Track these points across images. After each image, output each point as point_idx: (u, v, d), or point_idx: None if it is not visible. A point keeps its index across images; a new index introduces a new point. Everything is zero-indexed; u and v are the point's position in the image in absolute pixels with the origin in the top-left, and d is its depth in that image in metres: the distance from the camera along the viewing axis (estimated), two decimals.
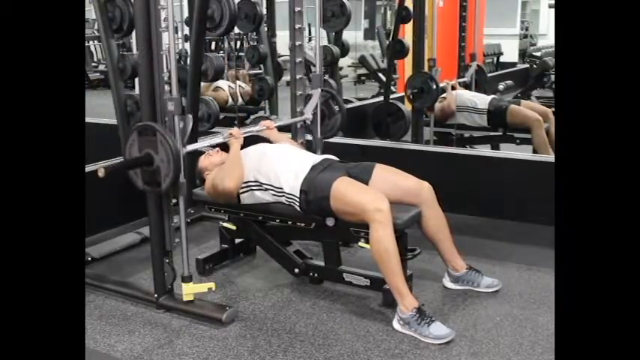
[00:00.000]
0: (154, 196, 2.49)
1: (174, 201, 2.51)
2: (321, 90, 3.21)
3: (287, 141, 3.02)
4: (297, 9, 3.18)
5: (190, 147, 2.50)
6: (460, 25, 5.24)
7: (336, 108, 3.28)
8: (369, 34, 11.47)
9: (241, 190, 2.69)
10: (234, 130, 2.76)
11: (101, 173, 2.25)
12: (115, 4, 2.86)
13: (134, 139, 2.39)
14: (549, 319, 2.44)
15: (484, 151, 4.67)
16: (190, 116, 2.43)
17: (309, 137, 3.34)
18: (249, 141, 2.89)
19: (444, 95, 4.77)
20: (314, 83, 3.21)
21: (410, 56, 4.81)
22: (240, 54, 6.61)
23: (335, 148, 3.31)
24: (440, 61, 4.63)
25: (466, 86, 5.23)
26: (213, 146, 2.82)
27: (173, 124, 2.39)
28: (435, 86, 4.41)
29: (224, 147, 2.81)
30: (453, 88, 4.89)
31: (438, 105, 4.75)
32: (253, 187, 2.67)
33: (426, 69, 4.58)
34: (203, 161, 2.88)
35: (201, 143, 2.75)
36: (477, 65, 5.33)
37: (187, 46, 5.53)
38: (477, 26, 5.60)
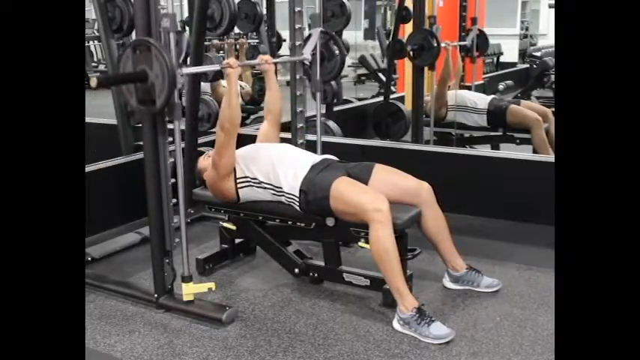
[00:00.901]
0: (149, 119, 2.41)
1: (174, 201, 2.51)
2: (321, 31, 3.15)
3: (274, 85, 2.96)
4: (297, 9, 3.18)
5: (186, 70, 2.45)
6: (460, 25, 5.25)
7: (336, 50, 3.22)
8: (369, 34, 11.47)
9: (240, 185, 2.68)
10: (232, 60, 2.67)
11: (93, 83, 2.18)
12: (115, 4, 2.86)
13: (128, 55, 2.33)
14: (549, 319, 2.44)
15: (484, 151, 4.67)
16: (186, 34, 2.36)
17: (309, 138, 3.35)
18: (250, 141, 2.89)
19: None
20: (313, 22, 3.13)
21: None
22: (238, 38, 6.61)
23: (335, 148, 3.31)
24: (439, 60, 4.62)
25: (467, 50, 5.20)
26: (212, 78, 2.67)
27: (168, 40, 2.33)
28: (435, 43, 4.38)
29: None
30: (459, 84, 4.88)
31: (437, 81, 4.74)
32: (253, 184, 2.66)
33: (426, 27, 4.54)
34: (202, 162, 2.89)
35: (199, 68, 2.68)
36: (478, 29, 5.30)
37: None
38: (477, 26, 5.59)
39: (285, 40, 5.60)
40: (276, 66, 2.97)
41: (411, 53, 4.45)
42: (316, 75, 3.17)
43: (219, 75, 4.04)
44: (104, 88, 2.22)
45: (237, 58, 5.89)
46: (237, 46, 6.17)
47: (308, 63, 3.14)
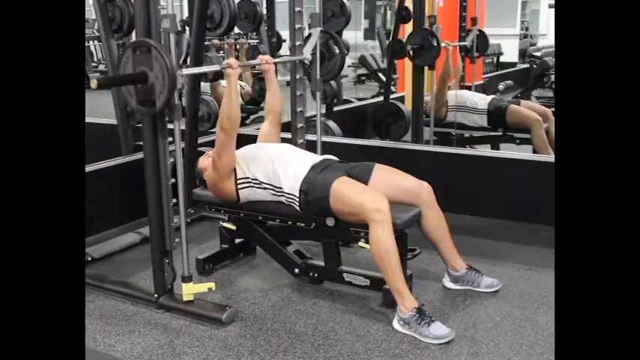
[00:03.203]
0: (149, 120, 2.42)
1: (174, 201, 2.51)
2: (321, 30, 3.15)
3: (274, 86, 2.96)
4: (297, 9, 3.18)
5: (186, 70, 2.46)
6: (460, 25, 5.25)
7: (336, 49, 3.22)
8: (369, 34, 11.47)
9: (240, 186, 2.68)
10: (232, 60, 2.66)
11: (94, 85, 2.20)
12: (115, 4, 2.86)
13: (128, 56, 2.34)
14: (549, 319, 2.44)
15: (484, 151, 4.67)
16: (186, 35, 2.37)
17: (309, 138, 3.35)
18: (250, 141, 2.89)
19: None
20: (313, 22, 3.13)
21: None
22: (238, 38, 6.61)
23: (335, 148, 3.31)
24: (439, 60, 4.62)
25: (467, 50, 5.20)
26: (212, 78, 2.68)
27: (168, 41, 2.34)
28: (435, 43, 4.37)
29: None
30: (459, 84, 4.87)
31: (436, 83, 4.73)
32: (253, 185, 2.66)
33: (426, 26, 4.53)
34: (203, 162, 2.88)
35: (198, 69, 2.70)
36: (479, 30, 5.30)
37: None
38: (477, 26, 5.59)
39: (285, 41, 5.60)
40: (276, 66, 2.97)
41: (411, 53, 4.44)
42: (316, 74, 3.16)
43: (219, 75, 4.04)
44: (104, 89, 2.23)
45: (237, 58, 5.91)
46: (237, 47, 6.17)
47: (308, 63, 3.14)
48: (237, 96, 2.64)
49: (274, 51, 5.34)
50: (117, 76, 2.35)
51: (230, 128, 2.59)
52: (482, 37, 5.34)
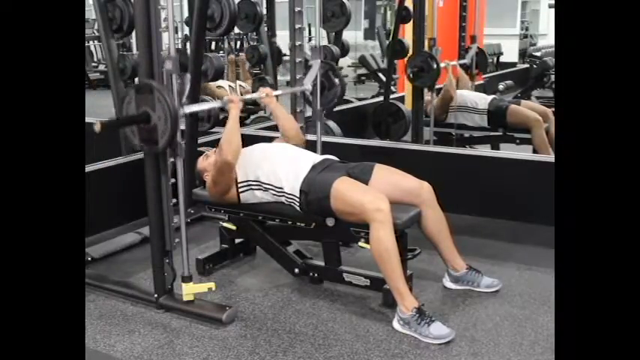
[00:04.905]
0: (151, 157, 2.46)
1: (174, 201, 2.51)
2: (321, 61, 3.20)
3: (283, 115, 2.99)
4: (297, 9, 3.19)
5: (188, 108, 2.50)
6: (460, 26, 5.25)
7: (336, 80, 3.28)
8: (369, 34, 11.48)
9: (241, 189, 2.69)
10: (233, 96, 2.72)
11: (97, 127, 2.20)
12: (115, 4, 2.86)
13: (131, 97, 2.38)
14: (549, 319, 2.44)
15: (484, 151, 4.67)
16: (188, 75, 2.41)
17: (309, 138, 3.35)
18: (250, 140, 2.89)
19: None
20: (314, 54, 3.19)
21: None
22: (240, 54, 6.64)
23: (335, 148, 3.31)
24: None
25: (466, 68, 5.21)
26: (213, 124, 2.77)
27: (171, 82, 2.38)
28: (435, 65, 4.40)
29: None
30: (457, 87, 4.89)
31: (437, 101, 4.75)
32: (254, 187, 2.67)
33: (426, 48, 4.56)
34: (202, 162, 2.89)
35: (200, 106, 2.73)
36: (478, 47, 5.31)
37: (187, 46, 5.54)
38: (477, 26, 5.60)
39: (285, 55, 5.59)
40: (277, 98, 2.99)
41: (411, 75, 4.46)
42: (317, 104, 3.21)
43: (219, 74, 4.04)
44: (108, 131, 2.30)
45: (237, 75, 5.90)
46: (238, 63, 6.17)
47: (309, 93, 3.17)
48: (238, 132, 2.65)
49: (274, 52, 5.34)
50: (120, 118, 2.41)
51: (232, 162, 2.61)
52: (481, 55, 5.37)
